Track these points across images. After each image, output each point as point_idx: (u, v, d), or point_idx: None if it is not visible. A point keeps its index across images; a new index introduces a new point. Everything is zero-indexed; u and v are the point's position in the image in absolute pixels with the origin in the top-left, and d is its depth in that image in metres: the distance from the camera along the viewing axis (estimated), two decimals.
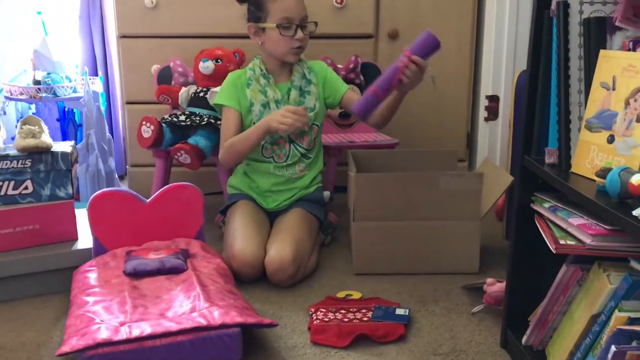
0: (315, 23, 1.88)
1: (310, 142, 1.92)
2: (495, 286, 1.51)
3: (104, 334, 1.22)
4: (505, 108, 2.37)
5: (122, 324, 1.27)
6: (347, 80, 2.31)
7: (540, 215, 1.22)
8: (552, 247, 1.10)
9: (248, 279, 1.70)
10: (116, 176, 2.44)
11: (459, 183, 1.72)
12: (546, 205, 1.20)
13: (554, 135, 1.19)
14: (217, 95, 1.95)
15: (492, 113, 2.43)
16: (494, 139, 2.45)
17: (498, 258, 1.84)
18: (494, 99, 2.42)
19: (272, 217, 1.92)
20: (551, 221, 1.17)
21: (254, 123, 1.88)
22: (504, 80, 2.37)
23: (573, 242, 1.08)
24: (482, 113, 2.46)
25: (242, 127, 1.91)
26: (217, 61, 2.15)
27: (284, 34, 1.82)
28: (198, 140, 2.03)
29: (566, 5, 1.14)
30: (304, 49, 1.89)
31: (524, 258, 1.33)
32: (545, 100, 1.21)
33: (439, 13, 2.41)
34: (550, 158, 1.19)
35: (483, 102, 2.44)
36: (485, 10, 2.40)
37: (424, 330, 1.47)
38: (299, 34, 1.83)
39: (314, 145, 1.94)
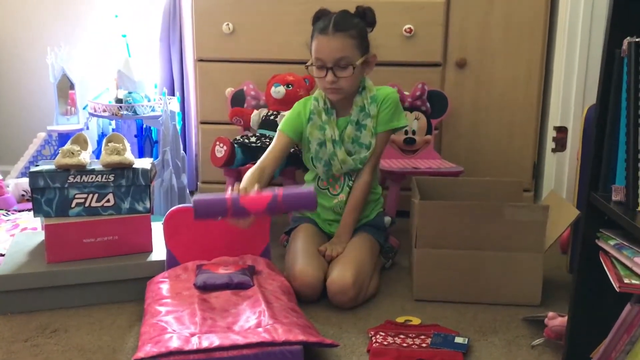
0: (353, 67, 1.82)
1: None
2: (556, 320, 1.50)
3: (175, 343, 1.30)
4: (574, 140, 2.35)
5: (192, 334, 1.35)
6: (413, 107, 2.37)
7: (605, 252, 1.22)
8: (615, 286, 1.11)
9: (307, 299, 1.75)
10: (188, 192, 2.56)
11: (524, 214, 1.72)
12: (611, 242, 1.20)
13: (621, 173, 1.19)
14: (283, 120, 2.01)
15: (560, 144, 2.41)
16: (561, 171, 2.43)
17: (561, 291, 1.83)
18: (562, 130, 2.40)
19: None
20: (616, 259, 1.17)
21: (312, 159, 1.94)
22: (573, 112, 2.35)
23: (638, 282, 1.08)
24: (550, 144, 2.44)
25: (284, 153, 1.92)
26: (288, 86, 2.24)
27: (315, 74, 1.86)
28: None
29: (638, 45, 1.15)
30: (345, 89, 1.86)
31: (588, 293, 1.32)
32: (613, 137, 1.22)
33: (509, 42, 2.43)
34: (617, 195, 1.19)
35: (551, 133, 2.43)
36: (556, 41, 2.40)
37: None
38: (329, 76, 1.82)
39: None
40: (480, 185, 2.07)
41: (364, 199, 1.95)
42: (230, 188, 1.56)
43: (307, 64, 1.89)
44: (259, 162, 1.87)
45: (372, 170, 1.96)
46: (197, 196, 1.51)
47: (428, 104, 2.37)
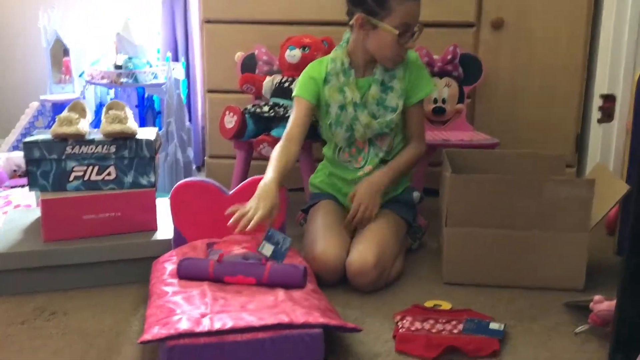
0: (422, 26, 1.88)
1: (390, 144, 1.97)
2: (603, 304, 1.51)
3: (185, 325, 1.32)
4: (623, 109, 2.33)
5: (203, 315, 1.37)
6: (444, 73, 2.36)
7: None
8: None
9: (328, 281, 1.77)
10: (194, 167, 2.59)
11: (567, 190, 1.72)
12: None
13: None
14: (296, 86, 2.02)
15: (607, 114, 2.39)
16: (608, 143, 2.42)
17: (607, 275, 1.83)
18: (609, 99, 2.38)
19: None
20: None
21: (330, 125, 1.95)
22: (622, 78, 2.33)
23: None
24: (595, 114, 2.42)
25: (309, 121, 1.94)
26: (304, 49, 2.24)
27: (401, 41, 1.85)
28: (281, 132, 2.11)
29: None
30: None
31: (639, 275, 1.32)
32: None
33: (550, 0, 2.40)
34: None
35: (597, 102, 2.41)
36: (604, 0, 2.37)
37: (520, 348, 1.49)
38: (411, 42, 1.87)
39: (394, 147, 1.98)
40: (518, 159, 2.06)
41: (413, 165, 1.97)
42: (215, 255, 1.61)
43: (377, 18, 1.83)
44: (283, 140, 1.89)
45: (424, 141, 2.01)
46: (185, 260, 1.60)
47: (460, 69, 2.36)
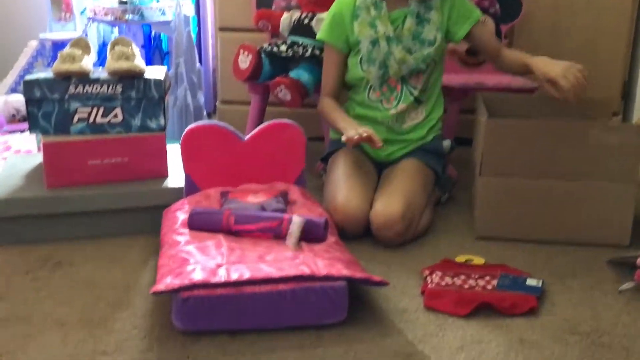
0: None
1: (425, 81, 1.94)
2: None
3: (200, 275, 1.32)
4: None
5: (219, 265, 1.37)
6: (480, 9, 2.29)
7: None
8: None
9: (351, 234, 1.77)
10: (205, 112, 2.57)
11: (614, 137, 1.68)
12: None
13: None
14: (321, 27, 2.00)
15: None
16: None
17: None
18: None
19: (381, 167, 1.97)
20: None
21: (360, 62, 1.92)
22: None
23: None
24: None
25: (344, 69, 1.97)
26: None
27: None
28: (300, 74, 2.10)
29: None
30: None
31: None
32: None
33: None
34: None
35: None
36: None
37: (559, 306, 1.48)
38: None
39: (429, 85, 1.95)
40: (559, 104, 2.00)
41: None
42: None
43: None
44: (322, 96, 1.99)
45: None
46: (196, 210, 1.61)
47: (497, 5, 2.30)
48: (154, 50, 2.81)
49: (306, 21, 2.20)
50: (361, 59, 1.92)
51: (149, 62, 2.79)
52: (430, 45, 1.89)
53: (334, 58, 1.97)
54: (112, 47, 1.87)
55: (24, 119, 2.58)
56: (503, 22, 2.32)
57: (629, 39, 2.43)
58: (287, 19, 2.25)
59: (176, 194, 1.78)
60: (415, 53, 1.89)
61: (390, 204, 1.74)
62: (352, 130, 1.78)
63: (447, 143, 2.01)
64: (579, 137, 1.71)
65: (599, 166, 1.71)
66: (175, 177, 1.85)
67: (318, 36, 2.00)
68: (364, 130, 1.76)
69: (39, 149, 2.14)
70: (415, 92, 1.92)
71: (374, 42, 1.90)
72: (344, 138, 1.78)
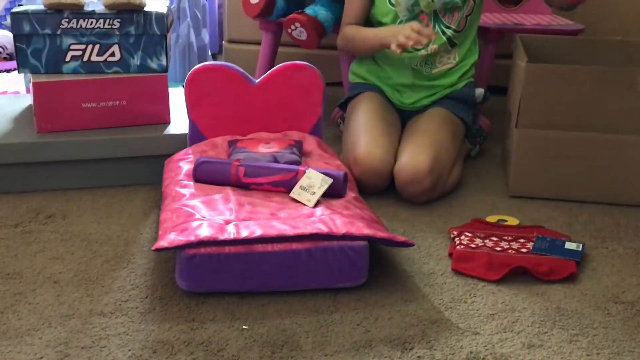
0: None
1: (460, 20, 1.90)
2: None
3: (206, 232, 1.32)
4: None
5: (227, 222, 1.37)
6: None
7: None
8: None
9: (372, 189, 1.76)
10: (209, 53, 2.55)
11: None
12: None
13: None
14: None
15: None
16: None
17: None
18: None
19: (405, 116, 1.95)
20: None
21: None
22: None
23: None
24: None
25: (369, 5, 1.94)
26: None
27: None
28: (317, 10, 2.07)
29: None
30: None
31: None
32: None
33: None
34: None
35: None
36: None
37: (601, 271, 1.48)
38: None
39: (465, 25, 1.92)
40: (607, 48, 2.01)
41: None
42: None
43: None
44: (345, 24, 1.97)
45: None
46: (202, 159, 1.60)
47: None
48: None
49: None
50: None
51: None
52: None
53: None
54: None
55: (11, 57, 2.56)
56: None
57: None
58: None
59: (179, 142, 1.78)
60: None
61: (417, 157, 1.73)
62: (400, 35, 1.73)
63: (479, 91, 1.99)
64: (627, 85, 1.68)
65: None
66: (179, 123, 1.84)
67: None
68: (411, 29, 1.73)
69: (28, 90, 2.13)
70: (449, 32, 1.89)
71: None
72: (393, 47, 1.74)
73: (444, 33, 1.89)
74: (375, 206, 1.69)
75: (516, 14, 2.29)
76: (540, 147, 1.76)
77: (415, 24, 1.75)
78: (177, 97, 1.89)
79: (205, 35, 2.53)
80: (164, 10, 1.80)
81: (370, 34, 1.89)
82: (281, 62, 1.85)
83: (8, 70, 2.49)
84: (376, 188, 1.77)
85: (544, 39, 2.02)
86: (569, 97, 1.71)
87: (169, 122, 1.85)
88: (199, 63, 2.44)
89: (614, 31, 2.40)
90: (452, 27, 1.90)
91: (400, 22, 1.90)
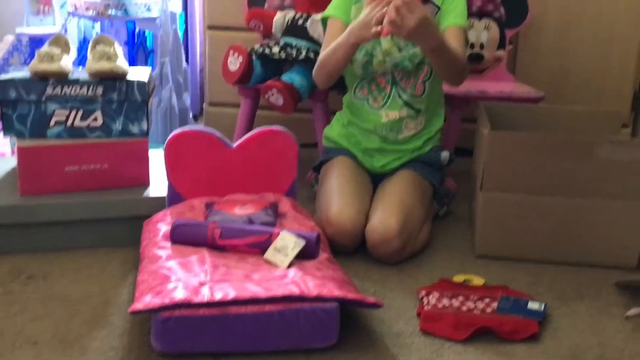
0: None
1: (417, 85, 1.93)
2: None
3: (182, 294, 1.31)
4: None
5: (202, 283, 1.36)
6: (483, 13, 2.31)
7: None
8: None
9: (344, 249, 1.76)
10: (190, 115, 2.57)
11: (623, 152, 1.69)
12: None
13: None
14: (328, 7, 1.99)
15: None
16: None
17: None
18: None
19: (376, 179, 1.97)
20: None
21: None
22: None
23: None
24: None
25: None
26: None
27: None
28: (293, 77, 2.10)
29: None
30: None
31: None
32: None
33: None
34: None
35: None
36: None
37: (563, 331, 1.48)
38: None
39: (423, 90, 1.94)
40: (566, 116, 2.04)
41: (455, 63, 1.83)
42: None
43: None
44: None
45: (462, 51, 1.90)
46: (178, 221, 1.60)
47: (502, 10, 2.32)
48: (137, 48, 2.80)
49: (300, 22, 2.21)
50: None
51: (132, 60, 2.79)
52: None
53: (336, 27, 1.93)
54: (94, 46, 1.87)
55: None
56: (508, 27, 2.34)
57: None
58: (280, 19, 2.26)
59: (158, 204, 1.77)
60: (403, 50, 1.89)
61: (387, 219, 1.74)
62: (365, 22, 1.74)
63: (445, 154, 2.01)
64: (586, 153, 1.71)
65: (606, 183, 1.72)
66: (158, 185, 1.84)
67: (324, 14, 1.99)
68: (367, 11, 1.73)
69: (12, 152, 2.13)
70: (405, 96, 1.92)
71: None
72: (373, 31, 1.71)
73: (399, 96, 1.92)
74: (347, 266, 1.69)
75: (481, 81, 2.34)
76: (504, 210, 1.78)
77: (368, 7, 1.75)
78: (157, 159, 1.90)
79: (187, 99, 2.55)
80: (146, 78, 1.82)
81: (339, 40, 1.86)
82: (259, 125, 1.87)
83: None
84: (348, 248, 1.77)
85: (507, 106, 2.07)
86: (531, 163, 1.74)
87: (148, 184, 1.84)
88: (180, 125, 2.48)
89: (573, 99, 2.45)
90: (408, 91, 1.93)
91: (358, 84, 1.96)
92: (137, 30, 2.77)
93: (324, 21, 2.01)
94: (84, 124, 1.78)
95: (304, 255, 1.51)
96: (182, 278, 1.39)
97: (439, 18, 1.90)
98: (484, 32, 2.32)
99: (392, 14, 1.66)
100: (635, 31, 2.42)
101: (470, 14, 2.25)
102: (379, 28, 1.71)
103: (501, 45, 2.34)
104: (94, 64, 1.76)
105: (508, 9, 2.32)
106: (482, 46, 2.33)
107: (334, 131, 2.05)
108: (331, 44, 1.88)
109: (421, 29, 1.67)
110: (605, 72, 2.47)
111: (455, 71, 1.87)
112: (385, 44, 1.88)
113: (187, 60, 2.75)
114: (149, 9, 2.54)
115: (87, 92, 1.76)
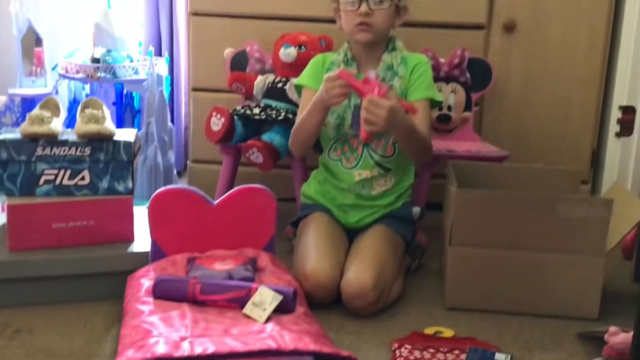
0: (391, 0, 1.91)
1: (388, 147, 1.96)
2: (619, 337, 1.50)
3: (162, 349, 1.31)
4: None
5: (182, 338, 1.36)
6: (450, 78, 2.36)
7: None
8: None
9: (321, 302, 1.76)
10: (175, 172, 2.57)
11: (582, 209, 1.71)
12: None
13: None
14: (301, 74, 2.05)
15: (626, 128, 2.41)
16: (626, 159, 2.43)
17: (622, 303, 1.82)
18: (629, 111, 2.40)
19: (351, 234, 1.98)
20: None
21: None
22: None
23: None
24: (614, 127, 2.44)
25: None
26: (300, 48, 2.23)
27: (346, 8, 1.92)
28: (273, 137, 2.12)
29: None
30: (377, 28, 1.91)
31: None
32: None
33: (568, 3, 2.41)
34: None
35: (615, 114, 2.42)
36: (626, 6, 2.38)
37: None
38: (363, 7, 1.88)
39: (393, 152, 1.97)
40: (529, 173, 2.07)
41: (421, 145, 1.91)
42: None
43: (334, 5, 1.97)
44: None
45: (430, 142, 1.97)
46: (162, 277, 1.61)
47: (468, 75, 2.36)
48: (125, 108, 2.82)
49: (280, 85, 2.24)
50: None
51: (120, 119, 2.79)
52: None
53: (311, 96, 1.95)
54: (82, 110, 1.88)
55: None
56: (473, 90, 2.38)
57: (597, 109, 2.50)
58: (261, 82, 2.29)
59: (142, 259, 1.76)
60: None
61: (361, 273, 1.74)
62: (325, 93, 1.81)
63: (416, 210, 2.03)
64: (547, 210, 1.73)
65: (567, 239, 1.74)
66: (142, 241, 1.83)
67: (296, 82, 2.04)
68: (325, 82, 1.80)
69: (2, 210, 2.11)
70: (376, 157, 1.95)
71: None
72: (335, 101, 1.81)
73: (371, 157, 1.95)
74: (323, 318, 1.68)
75: (449, 140, 2.37)
76: (472, 263, 1.79)
77: (329, 74, 1.83)
78: (142, 215, 1.89)
79: (172, 156, 2.56)
80: (132, 139, 1.83)
81: (303, 114, 1.92)
82: (240, 181, 1.88)
83: None
84: (324, 301, 1.77)
85: (474, 164, 2.09)
86: (496, 219, 1.76)
87: (133, 240, 1.84)
88: (165, 182, 2.48)
89: (535, 157, 2.48)
90: (379, 152, 1.96)
91: (332, 145, 2.00)
92: (125, 91, 2.79)
93: (297, 87, 2.06)
94: (72, 182, 1.78)
95: (282, 310, 1.51)
96: (163, 333, 1.39)
97: (407, 90, 1.96)
98: (451, 95, 2.36)
99: (364, 114, 1.73)
100: (592, 93, 2.47)
101: (438, 79, 2.31)
102: (360, 136, 1.79)
103: (467, 107, 2.38)
104: (82, 126, 1.77)
105: (473, 74, 2.37)
106: (449, 108, 2.36)
107: (311, 188, 2.07)
108: (302, 115, 1.93)
109: (392, 117, 1.73)
110: (564, 132, 2.51)
111: (421, 151, 1.94)
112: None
113: (172, 120, 2.76)
114: (136, 72, 2.56)
115: (76, 152, 1.77)
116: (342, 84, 1.78)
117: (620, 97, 2.42)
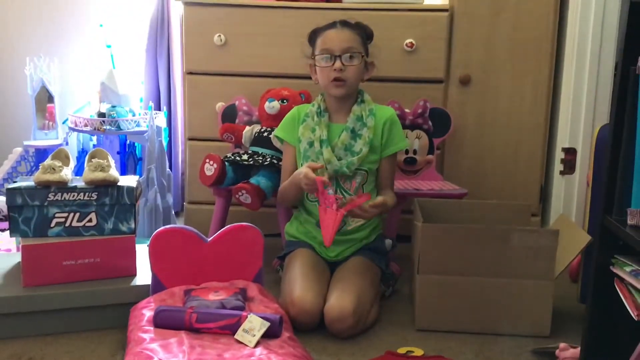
0: (362, 56, 1.96)
1: (358, 188, 1.99)
2: (568, 352, 1.51)
3: None
4: (583, 162, 2.38)
5: None
6: (415, 126, 2.39)
7: (621, 279, 1.24)
8: (633, 314, 1.12)
9: (305, 327, 1.75)
10: (173, 212, 2.57)
11: (532, 240, 1.74)
12: (627, 269, 1.21)
13: (637, 196, 1.21)
14: (278, 126, 2.09)
15: (569, 166, 2.44)
16: (570, 194, 2.46)
17: (571, 321, 1.84)
18: (571, 152, 2.43)
19: (332, 266, 1.98)
20: (633, 286, 1.18)
21: (301, 161, 1.99)
22: (582, 133, 2.38)
23: None
24: (558, 166, 2.47)
25: (297, 163, 2.04)
26: (283, 101, 2.26)
27: (322, 64, 1.96)
28: (260, 180, 2.13)
29: None
30: (349, 82, 1.95)
31: (601, 323, 1.33)
32: (628, 158, 1.24)
33: (515, 58, 2.46)
34: (632, 219, 1.21)
35: (559, 155, 2.46)
36: (565, 59, 2.44)
37: None
38: (337, 63, 1.93)
39: (362, 192, 1.99)
40: (485, 208, 2.09)
41: (391, 204, 1.98)
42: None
43: (311, 56, 2.01)
44: (284, 176, 2.05)
45: (393, 192, 2.06)
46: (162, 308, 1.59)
47: (430, 122, 2.40)
48: (128, 156, 2.82)
49: (265, 134, 2.26)
50: (301, 157, 2.00)
51: (123, 166, 2.79)
52: (356, 154, 1.96)
53: (290, 151, 2.05)
54: (90, 159, 1.88)
55: (5, 218, 2.53)
56: (435, 136, 2.41)
57: (543, 151, 2.53)
58: (248, 131, 2.31)
59: (143, 292, 1.75)
60: (342, 159, 1.96)
61: (342, 300, 1.74)
62: (302, 184, 1.87)
63: (388, 242, 2.05)
64: (502, 240, 1.75)
65: (520, 265, 1.75)
66: (143, 275, 1.82)
67: (275, 132, 2.09)
68: (305, 177, 1.85)
69: (17, 249, 2.10)
70: (348, 197, 1.96)
71: (310, 144, 1.98)
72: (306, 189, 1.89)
73: (344, 198, 1.95)
74: (307, 341, 1.67)
75: (415, 180, 2.39)
76: (438, 289, 1.79)
77: (306, 172, 1.86)
78: (143, 252, 1.88)
79: (170, 198, 2.56)
80: (134, 184, 1.83)
81: (286, 184, 2.00)
82: (231, 219, 1.88)
83: (3, 230, 2.45)
84: (308, 326, 1.76)
85: (437, 201, 2.11)
86: (458, 249, 1.77)
87: (135, 275, 1.83)
88: (164, 222, 2.47)
89: (491, 193, 2.51)
90: (351, 193, 1.98)
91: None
92: (128, 141, 2.79)
93: (277, 137, 2.09)
94: (80, 224, 1.78)
95: (269, 335, 1.50)
96: (163, 358, 1.37)
97: (382, 144, 2.00)
98: (416, 141, 2.39)
99: (358, 212, 1.85)
100: (538, 137, 2.51)
101: (404, 127, 2.34)
102: (324, 243, 1.88)
103: (430, 150, 2.41)
104: (90, 174, 1.77)
105: (435, 122, 2.40)
106: (415, 152, 2.39)
107: (293, 228, 2.08)
108: (287, 181, 2.00)
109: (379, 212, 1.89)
110: (516, 171, 2.54)
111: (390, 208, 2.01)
112: (326, 154, 1.95)
113: (170, 167, 2.77)
114: (138, 125, 2.58)
115: (84, 197, 1.77)
116: (314, 186, 1.85)
117: (562, 139, 2.46)
